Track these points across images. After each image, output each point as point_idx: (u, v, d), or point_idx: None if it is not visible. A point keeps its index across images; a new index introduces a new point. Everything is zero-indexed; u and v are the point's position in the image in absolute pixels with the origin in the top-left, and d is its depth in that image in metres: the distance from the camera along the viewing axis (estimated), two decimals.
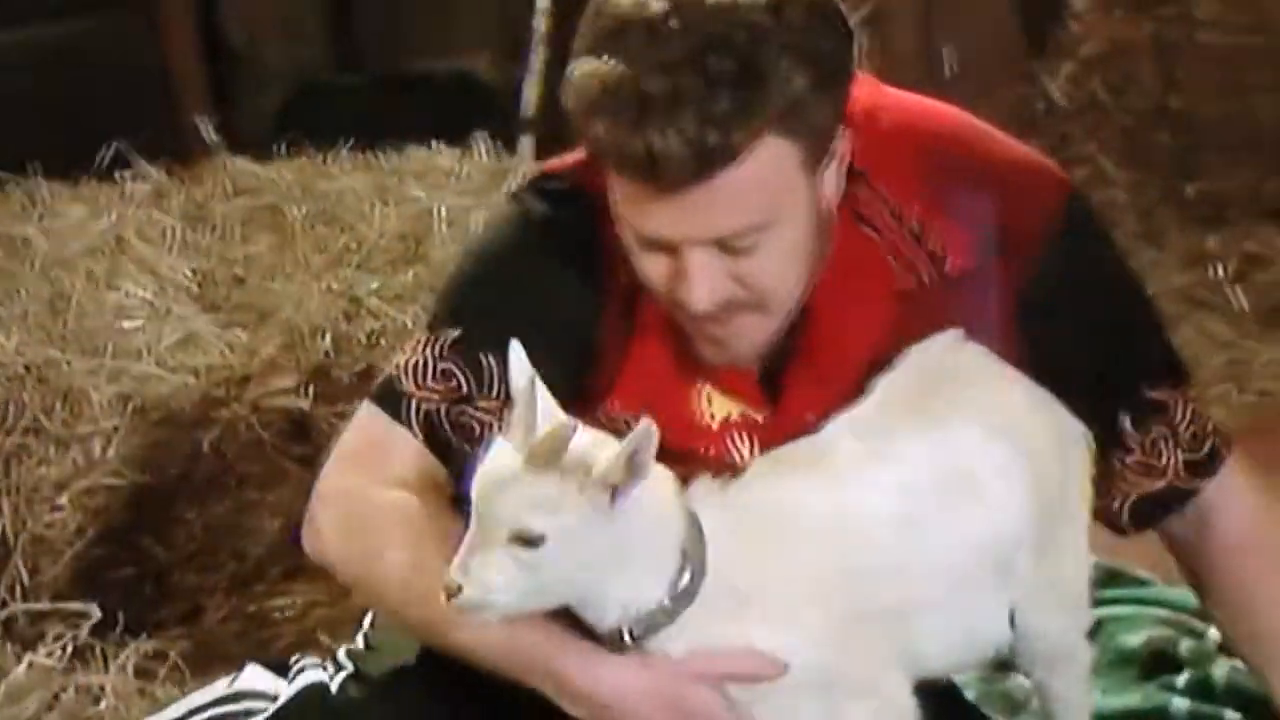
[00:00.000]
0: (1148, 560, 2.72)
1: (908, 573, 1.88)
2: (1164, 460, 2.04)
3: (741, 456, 1.97)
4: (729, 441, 1.98)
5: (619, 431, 1.83)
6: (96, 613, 3.12)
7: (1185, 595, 2.61)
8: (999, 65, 4.85)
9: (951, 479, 1.90)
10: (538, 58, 5.15)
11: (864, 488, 1.88)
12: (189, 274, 3.70)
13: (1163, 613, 2.75)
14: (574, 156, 2.01)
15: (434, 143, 4.28)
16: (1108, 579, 2.78)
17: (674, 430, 1.87)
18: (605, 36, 1.81)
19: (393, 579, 1.94)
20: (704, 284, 1.86)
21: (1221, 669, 2.57)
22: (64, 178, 4.17)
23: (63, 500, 3.28)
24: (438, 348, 1.99)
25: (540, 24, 5.13)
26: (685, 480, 1.88)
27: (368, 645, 2.12)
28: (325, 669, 2.11)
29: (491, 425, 1.96)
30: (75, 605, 3.15)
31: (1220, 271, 4.32)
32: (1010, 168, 2.01)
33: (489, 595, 1.75)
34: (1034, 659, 2.00)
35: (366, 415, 2.03)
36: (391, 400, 2.01)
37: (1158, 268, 4.30)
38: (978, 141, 2.02)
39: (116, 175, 4.18)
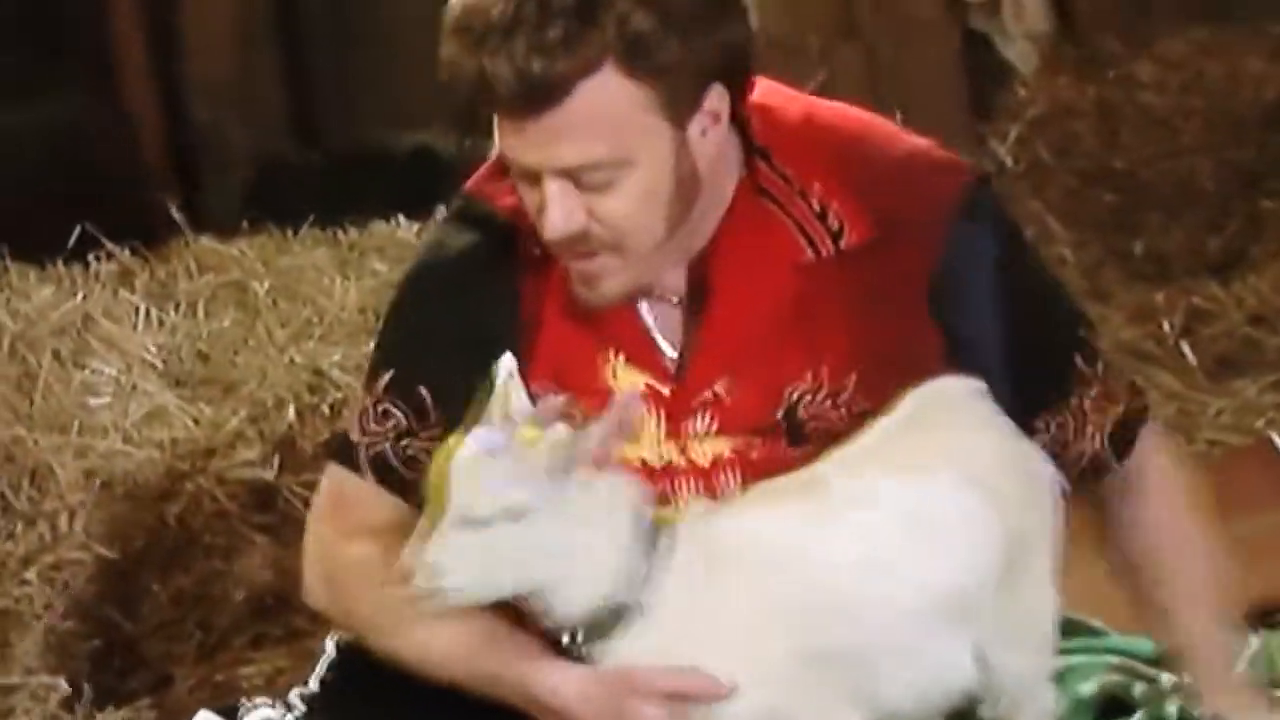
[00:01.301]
0: (1104, 609, 2.72)
1: (867, 616, 1.87)
2: (1120, 382, 2.10)
3: (657, 440, 1.98)
4: (648, 435, 1.99)
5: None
6: (65, 686, 3.10)
7: (1139, 643, 2.61)
8: (947, 129, 4.89)
9: (921, 525, 1.90)
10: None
11: (834, 527, 1.88)
12: (155, 350, 3.70)
13: (1115, 660, 2.75)
14: (475, 174, 2.06)
15: (395, 217, 4.28)
16: (1062, 629, 2.77)
17: (582, 401, 1.91)
18: None
19: (365, 626, 2.02)
20: (556, 212, 1.88)
21: (1174, 706, 2.56)
22: (31, 260, 4.16)
23: (30, 575, 3.26)
24: (377, 392, 2.04)
25: None
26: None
27: (322, 684, 2.14)
28: (274, 707, 2.15)
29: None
30: (44, 679, 3.13)
31: (1167, 326, 4.33)
32: (912, 158, 2.03)
33: (459, 578, 1.77)
34: (998, 700, 1.99)
35: (329, 472, 2.10)
36: (345, 452, 2.07)
37: (1105, 324, 4.31)
38: (882, 133, 2.06)
39: (87, 257, 4.18)
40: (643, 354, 2.00)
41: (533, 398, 1.90)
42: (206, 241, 4.11)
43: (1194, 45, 4.92)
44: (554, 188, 1.88)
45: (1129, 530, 2.12)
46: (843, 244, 1.98)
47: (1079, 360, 2.07)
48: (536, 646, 1.90)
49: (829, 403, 1.99)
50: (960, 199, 2.01)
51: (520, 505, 1.77)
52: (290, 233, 4.17)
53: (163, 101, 5.17)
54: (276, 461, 3.43)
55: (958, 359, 1.99)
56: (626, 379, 2.00)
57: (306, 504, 3.30)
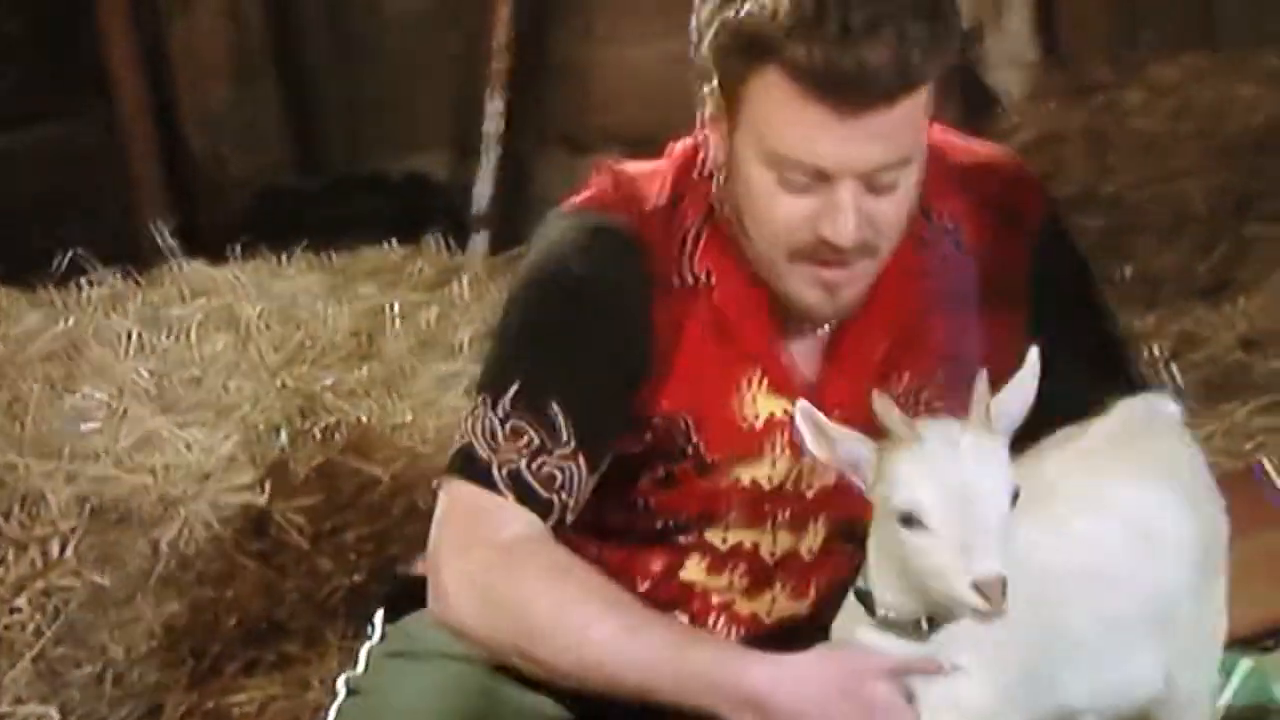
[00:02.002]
0: None
1: (1081, 622, 1.88)
2: None
3: (789, 471, 2.00)
4: (771, 449, 2.01)
5: (673, 430, 1.95)
6: (55, 715, 3.05)
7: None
8: None
9: (1140, 535, 1.92)
10: (489, 158, 5.14)
11: (1062, 534, 1.89)
12: (146, 375, 3.65)
13: None
14: (586, 193, 2.04)
15: (386, 242, 4.25)
16: None
17: (718, 428, 1.97)
18: None
19: (544, 630, 1.93)
20: (852, 217, 1.89)
21: None
22: (21, 284, 4.12)
23: (21, 601, 3.21)
24: (504, 405, 1.99)
25: (491, 126, 5.13)
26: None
27: None
28: None
29: (572, 472, 1.97)
30: (34, 708, 3.08)
31: (1157, 350, 4.30)
32: (999, 158, 2.09)
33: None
34: (1165, 713, 1.99)
35: (456, 490, 2.01)
36: (475, 469, 1.99)
37: None
38: (967, 140, 2.11)
39: (77, 281, 4.14)
40: (784, 380, 2.00)
41: (670, 417, 1.96)
42: (198, 266, 4.06)
43: (1183, 71, 4.91)
44: (850, 192, 1.90)
45: None
46: (961, 239, 2.01)
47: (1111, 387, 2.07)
48: (736, 645, 1.92)
49: (912, 398, 2.02)
50: (1050, 208, 2.08)
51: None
52: (282, 257, 4.13)
53: (158, 127, 5.14)
54: (269, 487, 3.38)
55: (1043, 334, 1.98)
56: (766, 405, 2.00)
57: (300, 530, 3.31)
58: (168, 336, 3.76)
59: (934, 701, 1.84)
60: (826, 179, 1.90)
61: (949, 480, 1.74)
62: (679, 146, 2.07)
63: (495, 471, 1.98)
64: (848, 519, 2.05)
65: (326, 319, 3.76)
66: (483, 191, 5.16)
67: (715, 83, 1.94)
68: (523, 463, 1.98)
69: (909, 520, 1.75)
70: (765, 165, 1.92)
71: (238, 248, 4.20)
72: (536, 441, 1.97)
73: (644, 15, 5.24)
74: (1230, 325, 4.28)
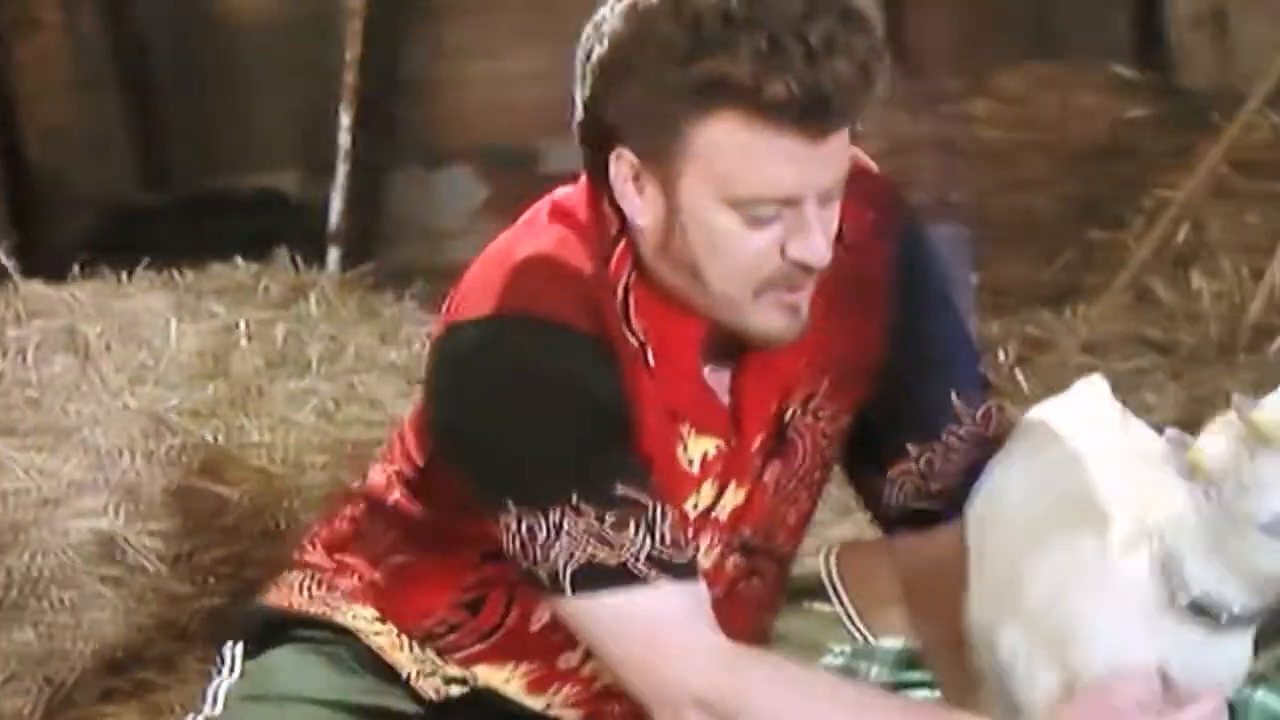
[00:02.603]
0: None
1: None
2: (990, 428, 2.07)
3: (715, 500, 1.99)
4: (705, 485, 1.99)
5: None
6: None
7: None
8: None
9: None
10: (342, 172, 5.08)
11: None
12: None
13: None
14: (489, 299, 1.93)
15: (233, 259, 4.16)
16: (911, 661, 2.71)
17: (668, 483, 1.94)
18: (720, 11, 1.83)
19: None
20: (823, 238, 1.88)
21: None
22: None
23: None
24: (587, 515, 1.91)
25: (344, 139, 5.07)
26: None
27: None
28: None
29: (684, 525, 1.95)
30: None
31: (1004, 356, 4.33)
32: (863, 161, 2.04)
33: None
34: None
35: (605, 605, 1.91)
36: (612, 577, 1.91)
37: None
38: None
39: None
40: (712, 420, 1.98)
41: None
42: (35, 286, 3.94)
43: (1027, 80, 4.94)
44: (814, 211, 1.88)
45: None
46: (844, 244, 1.96)
47: (958, 396, 2.06)
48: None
49: (801, 409, 2.02)
50: (911, 210, 2.07)
51: None
52: (125, 277, 4.02)
53: None
54: (119, 510, 3.28)
55: (900, 341, 2.03)
56: (698, 447, 1.98)
57: (153, 554, 3.23)
58: (4, 358, 3.64)
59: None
60: (794, 204, 1.87)
61: None
62: (545, 211, 2.00)
63: (633, 565, 1.90)
64: (739, 532, 2.04)
65: (172, 338, 3.66)
66: (336, 207, 5.08)
67: (641, 143, 1.88)
68: (647, 544, 1.91)
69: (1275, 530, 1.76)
70: (729, 209, 1.87)
71: (77, 267, 4.08)
72: (642, 521, 1.91)
73: (495, 30, 5.21)
74: (1074, 331, 4.32)
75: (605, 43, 1.88)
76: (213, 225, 4.94)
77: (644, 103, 1.86)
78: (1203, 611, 1.83)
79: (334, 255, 4.98)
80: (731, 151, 1.85)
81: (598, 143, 1.92)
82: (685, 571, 1.92)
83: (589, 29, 1.92)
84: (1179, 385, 4.17)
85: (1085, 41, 5.05)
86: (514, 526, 1.92)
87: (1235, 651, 1.87)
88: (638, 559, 1.90)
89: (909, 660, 2.66)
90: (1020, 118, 4.92)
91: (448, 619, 2.09)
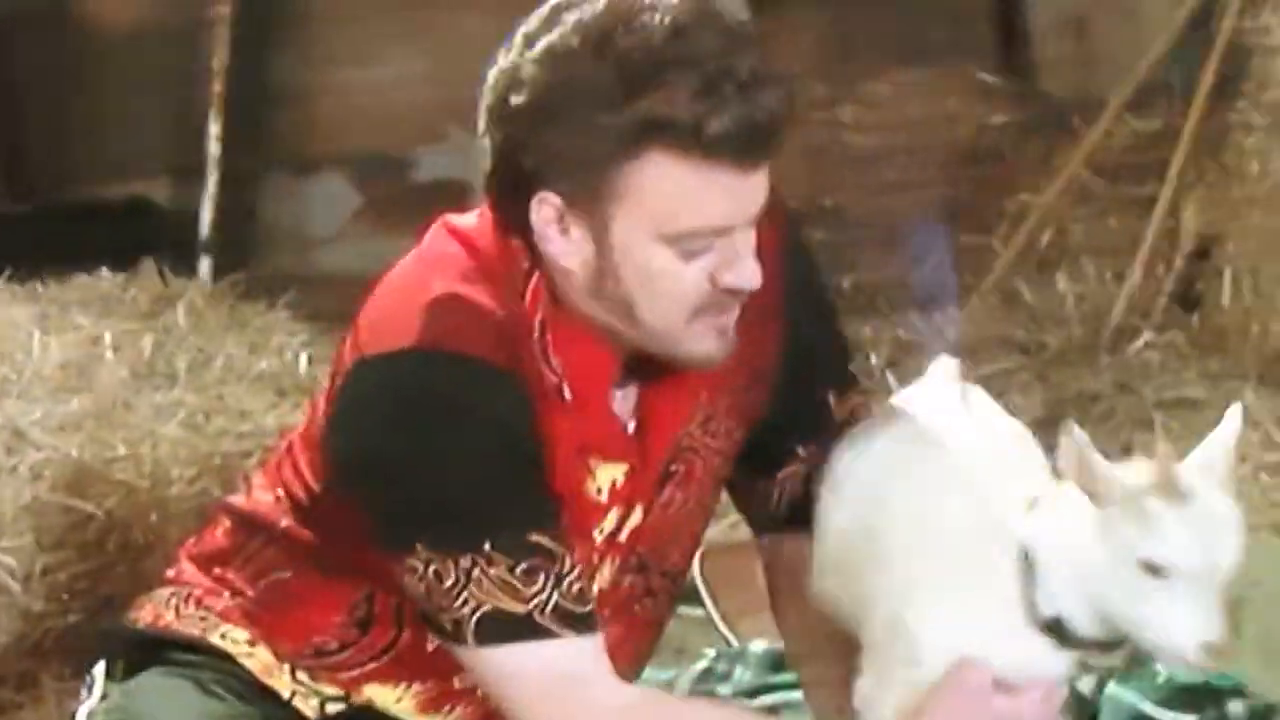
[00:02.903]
0: None
1: None
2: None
3: (619, 522, 1.99)
4: (611, 511, 1.99)
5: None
6: None
7: None
8: None
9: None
10: (212, 181, 5.01)
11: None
12: None
13: None
14: (403, 334, 1.90)
15: (101, 269, 4.08)
16: (778, 663, 2.71)
17: (575, 516, 1.94)
18: (645, 51, 1.82)
19: None
20: (754, 261, 1.89)
21: None
22: None
23: None
24: (498, 562, 1.89)
25: (214, 148, 4.99)
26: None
27: None
28: None
29: (582, 575, 1.93)
30: None
31: (874, 358, 4.35)
32: None
33: None
34: None
35: (509, 656, 1.91)
36: (519, 626, 1.90)
37: None
38: None
39: None
40: (619, 447, 1.97)
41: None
42: None
43: (894, 87, 4.97)
44: (746, 239, 1.88)
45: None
46: None
47: (831, 396, 2.10)
48: None
49: (701, 429, 2.02)
50: (791, 223, 2.07)
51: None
52: None
53: None
54: None
55: (779, 374, 2.05)
56: (607, 475, 1.97)
57: (10, 573, 3.14)
58: None
59: None
60: (726, 233, 1.87)
61: (1204, 544, 1.77)
62: (447, 243, 1.98)
63: (540, 617, 1.90)
64: (637, 552, 2.04)
65: (35, 351, 3.58)
66: (206, 216, 5.01)
67: (567, 187, 1.86)
68: (555, 596, 1.90)
69: (1155, 570, 1.77)
70: (663, 245, 1.87)
71: None
72: (551, 572, 1.90)
73: (364, 38, 5.15)
74: (942, 334, 4.35)
75: (524, 90, 1.85)
76: (79, 235, 4.84)
77: (572, 148, 1.84)
78: (1051, 631, 1.85)
79: (205, 264, 4.90)
80: (666, 189, 1.84)
81: (513, 187, 1.90)
82: (587, 624, 1.92)
83: (495, 76, 1.89)
84: (1044, 386, 4.22)
85: (950, 48, 5.09)
86: (420, 569, 1.90)
87: (1066, 664, 1.90)
88: (544, 611, 1.90)
89: (776, 663, 2.66)
90: (887, 124, 4.95)
91: (337, 637, 2.05)
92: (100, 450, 3.27)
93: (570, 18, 1.85)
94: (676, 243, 1.87)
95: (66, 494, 3.19)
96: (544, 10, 1.89)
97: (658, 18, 1.83)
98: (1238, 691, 2.63)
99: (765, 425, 2.07)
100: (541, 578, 1.89)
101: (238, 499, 2.14)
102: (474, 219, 1.98)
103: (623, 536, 2.02)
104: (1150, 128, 4.62)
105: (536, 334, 1.92)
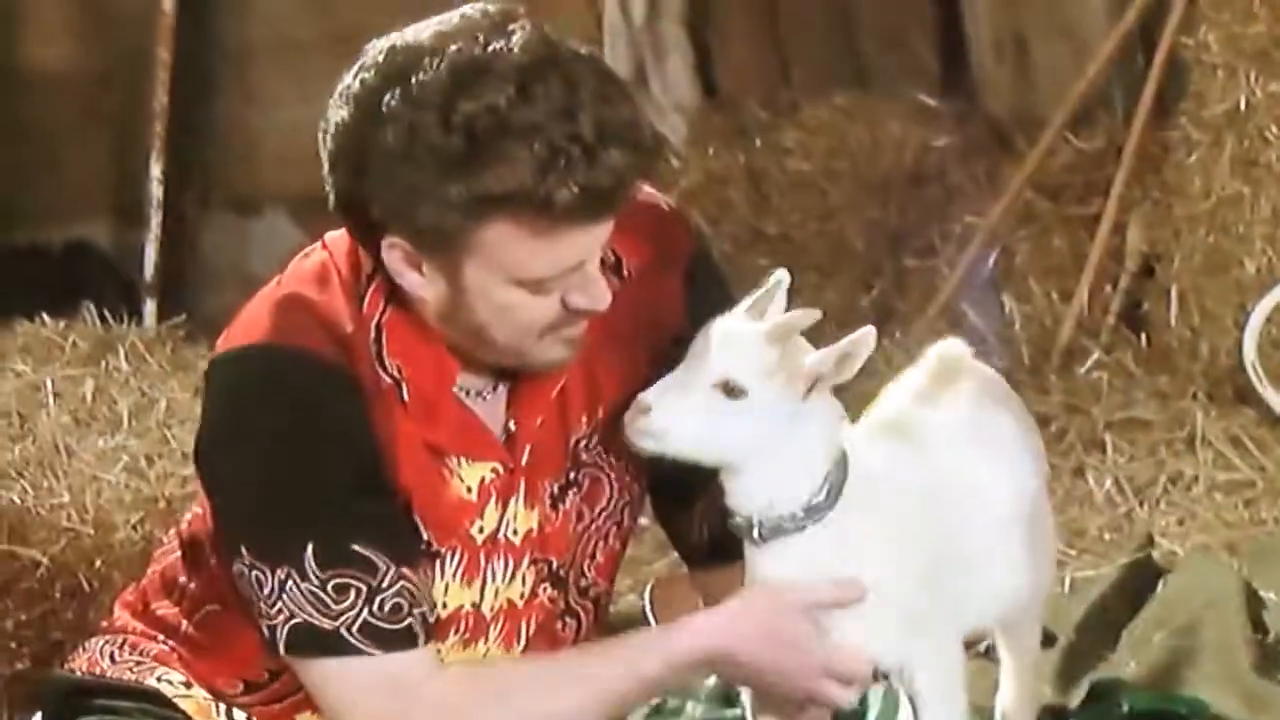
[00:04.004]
0: None
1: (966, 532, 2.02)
2: None
3: (500, 521, 1.99)
4: (487, 509, 1.98)
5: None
6: None
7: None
8: None
9: (989, 445, 2.07)
10: (155, 222, 4.96)
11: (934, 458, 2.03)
12: None
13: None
14: (249, 332, 1.93)
15: (39, 316, 4.02)
16: (730, 697, 2.68)
17: (439, 514, 1.95)
18: (490, 118, 1.81)
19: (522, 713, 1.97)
20: (603, 284, 1.92)
21: None
22: None
23: None
24: (312, 570, 1.90)
25: (155, 189, 4.95)
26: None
27: None
28: None
29: (408, 588, 1.93)
30: None
31: None
32: (648, 195, 2.07)
33: (673, 422, 1.88)
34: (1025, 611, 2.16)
35: (325, 670, 1.93)
36: (327, 642, 1.92)
37: None
38: None
39: None
40: (481, 446, 1.98)
41: (416, 521, 1.95)
42: None
43: (836, 111, 4.96)
44: (594, 265, 1.91)
45: None
46: (625, 271, 2.01)
47: None
48: (660, 629, 2.04)
49: (604, 447, 2.03)
50: (699, 241, 2.11)
51: (738, 384, 1.88)
52: None
53: None
54: None
55: None
56: (473, 475, 1.98)
57: None
58: None
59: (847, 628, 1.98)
60: (578, 268, 1.89)
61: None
62: (315, 252, 1.99)
63: (348, 635, 1.91)
64: (545, 559, 2.04)
65: None
66: (149, 258, 4.96)
67: (416, 238, 1.86)
68: (365, 613, 1.91)
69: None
70: (516, 286, 1.88)
71: None
72: (365, 587, 1.91)
73: (305, 77, 5.11)
74: (889, 359, 4.32)
75: (367, 150, 1.84)
76: (20, 281, 4.79)
77: (419, 213, 1.84)
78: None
79: (149, 307, 4.86)
80: (514, 246, 1.85)
81: (362, 229, 1.90)
82: (399, 640, 1.93)
83: (336, 128, 1.87)
84: None
85: (890, 71, 5.08)
86: (245, 574, 1.93)
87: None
88: (351, 628, 1.91)
89: (727, 697, 2.64)
90: (829, 148, 4.93)
91: (266, 667, 2.05)
92: (43, 497, 3.25)
93: (412, 76, 1.82)
94: (529, 284, 1.88)
95: (10, 541, 3.15)
96: (377, 58, 1.86)
97: (501, 80, 1.81)
98: (1199, 713, 2.61)
99: None
100: (353, 594, 1.91)
101: (172, 537, 2.15)
102: (342, 231, 1.99)
103: (511, 537, 2.01)
104: (1092, 146, 4.61)
105: (373, 337, 1.94)
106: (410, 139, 1.81)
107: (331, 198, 1.91)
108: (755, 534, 1.94)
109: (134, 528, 3.18)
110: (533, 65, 1.82)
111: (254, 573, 1.92)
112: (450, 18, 1.88)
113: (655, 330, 2.03)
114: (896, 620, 1.98)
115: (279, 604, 1.91)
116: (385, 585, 1.91)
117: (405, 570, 1.93)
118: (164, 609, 2.09)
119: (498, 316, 1.90)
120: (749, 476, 1.93)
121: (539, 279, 1.88)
